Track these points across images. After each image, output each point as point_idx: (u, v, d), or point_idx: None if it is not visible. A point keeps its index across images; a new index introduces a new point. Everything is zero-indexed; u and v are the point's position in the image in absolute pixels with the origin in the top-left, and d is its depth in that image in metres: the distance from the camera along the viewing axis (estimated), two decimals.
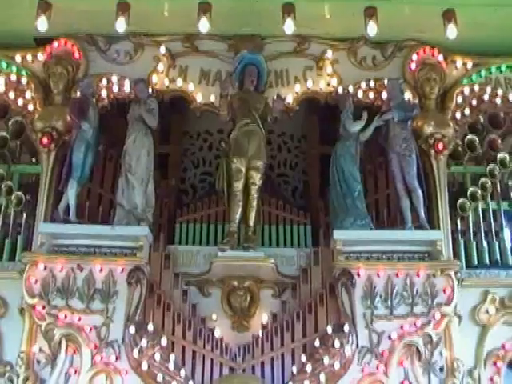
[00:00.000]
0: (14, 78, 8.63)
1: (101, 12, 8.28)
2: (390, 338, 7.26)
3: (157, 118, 8.17)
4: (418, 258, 7.75)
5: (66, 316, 7.23)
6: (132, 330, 7.06)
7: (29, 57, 8.72)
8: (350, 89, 8.61)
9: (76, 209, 7.89)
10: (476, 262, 8.15)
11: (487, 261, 8.18)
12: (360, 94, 8.62)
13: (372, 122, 8.29)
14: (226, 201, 8.07)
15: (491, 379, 7.51)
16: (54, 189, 8.03)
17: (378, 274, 7.53)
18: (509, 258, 8.21)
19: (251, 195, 8.00)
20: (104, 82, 8.59)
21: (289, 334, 7.30)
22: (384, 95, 8.57)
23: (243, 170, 7.99)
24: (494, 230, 8.37)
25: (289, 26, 8.11)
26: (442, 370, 7.32)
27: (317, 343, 7.13)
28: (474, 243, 8.28)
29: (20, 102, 8.54)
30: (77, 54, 8.67)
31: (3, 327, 7.57)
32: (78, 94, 8.40)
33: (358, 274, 7.51)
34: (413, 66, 8.73)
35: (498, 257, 8.22)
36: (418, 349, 7.24)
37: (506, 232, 8.45)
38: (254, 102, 8.31)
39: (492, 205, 8.52)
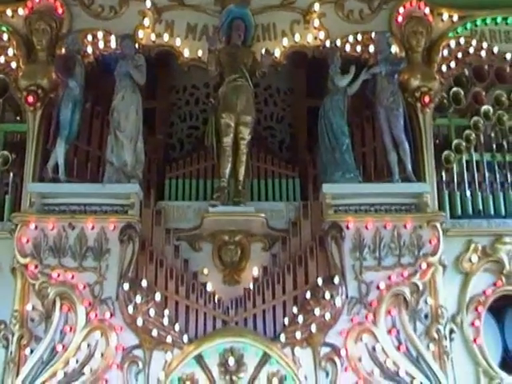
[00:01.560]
0: None
1: None
2: (378, 288, 7.45)
3: (145, 75, 8.10)
4: (405, 210, 7.89)
5: (59, 274, 7.30)
6: (126, 286, 7.16)
7: (8, 12, 8.56)
8: (338, 42, 8.60)
9: (64, 167, 7.86)
10: (460, 213, 8.34)
11: (470, 211, 8.38)
12: (347, 48, 8.62)
13: (359, 75, 8.31)
14: (216, 156, 8.11)
15: (472, 324, 7.79)
16: (41, 148, 7.99)
17: (366, 227, 7.66)
18: (491, 207, 8.42)
19: (240, 150, 8.03)
20: (89, 37, 8.48)
21: (280, 287, 7.43)
22: (371, 48, 8.59)
23: (232, 125, 7.99)
24: (477, 181, 8.55)
25: None
26: (426, 316, 7.56)
27: (308, 295, 7.29)
28: (458, 194, 8.45)
29: (2, 59, 8.40)
30: (60, 10, 8.52)
31: None
32: (64, 50, 8.30)
33: (347, 227, 7.64)
34: (399, 18, 8.73)
35: (481, 207, 8.42)
36: (405, 298, 7.45)
37: (488, 182, 8.61)
38: (241, 56, 8.28)
39: (475, 156, 8.67)
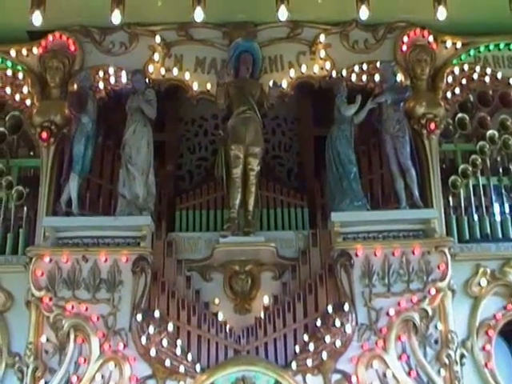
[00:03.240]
0: (9, 73, 8.73)
1: (95, 4, 8.30)
2: (387, 314, 7.52)
3: (155, 109, 8.32)
4: (413, 236, 7.98)
5: (73, 306, 7.44)
6: (139, 317, 7.29)
7: (24, 51, 8.82)
8: (344, 72, 8.77)
9: (77, 201, 8.04)
10: (468, 237, 8.41)
11: (478, 235, 8.44)
12: (353, 78, 8.80)
13: (365, 104, 8.48)
14: (225, 187, 8.25)
15: (483, 348, 7.83)
16: (54, 182, 8.19)
17: (375, 254, 7.76)
18: (499, 231, 8.48)
19: (250, 181, 8.19)
20: (101, 73, 8.71)
21: (290, 315, 7.53)
22: (377, 78, 8.75)
23: (241, 156, 8.16)
24: (484, 205, 8.61)
25: (282, 13, 8.07)
26: (436, 342, 7.62)
27: (318, 323, 7.39)
28: (466, 218, 8.52)
29: (17, 97, 8.66)
30: (72, 47, 8.78)
31: (10, 320, 7.80)
32: (76, 87, 8.53)
33: (356, 255, 7.75)
34: (404, 47, 8.90)
35: (489, 231, 8.48)
36: (414, 324, 7.52)
37: (496, 206, 8.71)
38: (249, 88, 8.48)
39: (482, 180, 8.76)
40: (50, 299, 7.47)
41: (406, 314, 7.52)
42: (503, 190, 8.79)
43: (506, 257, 8.18)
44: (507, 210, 8.70)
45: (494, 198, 8.71)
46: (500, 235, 8.47)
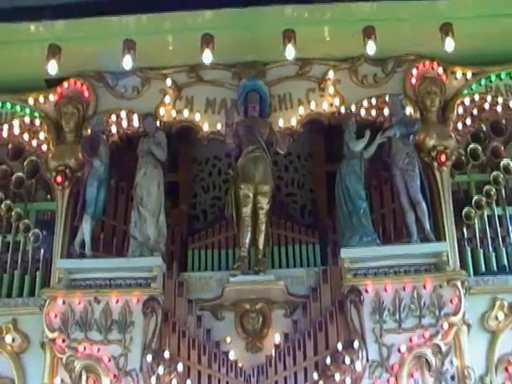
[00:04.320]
0: (27, 120, 9.03)
1: (108, 51, 8.64)
2: (399, 350, 7.45)
3: (165, 151, 8.50)
4: (425, 270, 7.92)
5: (85, 348, 7.56)
6: (149, 358, 7.37)
7: (41, 99, 9.11)
8: (353, 108, 8.82)
9: (91, 242, 8.22)
10: (484, 269, 8.31)
11: (495, 267, 8.33)
12: (362, 113, 8.84)
13: (375, 138, 8.51)
14: (236, 226, 8.35)
15: None
16: (69, 224, 8.38)
17: (385, 289, 7.72)
18: None
19: (259, 219, 8.27)
20: (113, 118, 8.94)
21: (301, 353, 7.54)
22: (386, 111, 8.78)
23: (251, 195, 8.27)
24: (500, 236, 8.52)
25: (290, 52, 8.37)
26: (453, 378, 7.47)
27: (328, 360, 7.37)
28: (481, 250, 8.43)
29: (34, 142, 8.95)
30: (86, 93, 9.04)
31: (26, 361, 7.94)
32: (89, 131, 8.77)
33: (366, 291, 7.72)
34: (413, 80, 8.91)
35: (506, 262, 8.36)
36: (427, 360, 7.42)
37: None
38: (258, 128, 8.60)
39: (498, 211, 8.67)
40: (63, 341, 7.59)
41: (418, 350, 7.44)
42: None
43: None
44: None
45: (510, 228, 8.59)
46: None
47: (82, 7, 8.25)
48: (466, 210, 8.58)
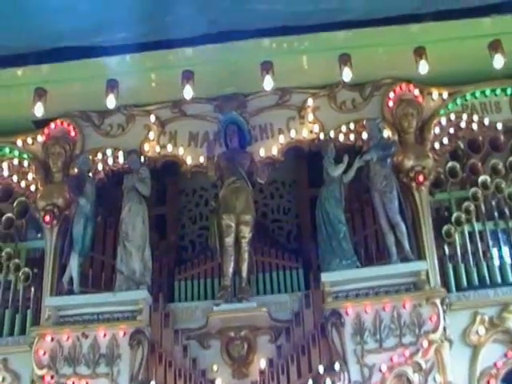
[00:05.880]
0: (16, 162, 9.37)
1: (93, 91, 8.96)
2: (380, 370, 7.59)
3: (149, 187, 8.75)
4: (405, 290, 8.06)
5: (73, 383, 7.77)
6: None
7: (29, 140, 9.45)
8: (332, 134, 9.05)
9: (80, 278, 8.46)
10: (465, 285, 8.43)
11: (476, 282, 8.44)
12: (341, 138, 9.06)
13: (354, 162, 8.69)
14: (220, 256, 8.55)
15: None
16: (58, 262, 8.64)
17: (365, 311, 7.87)
18: (497, 276, 8.46)
19: (242, 248, 8.48)
20: (99, 155, 9.24)
21: (284, 378, 7.70)
22: (364, 135, 9.00)
23: (233, 225, 8.48)
24: (481, 251, 8.64)
25: (268, 83, 8.63)
26: None
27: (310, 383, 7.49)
28: (463, 266, 8.56)
29: (23, 183, 9.26)
30: (73, 133, 9.35)
31: None
32: (76, 170, 9.03)
33: (347, 313, 7.87)
34: (390, 103, 9.14)
35: (487, 276, 8.47)
36: (408, 378, 7.55)
37: (494, 251, 8.70)
38: (239, 159, 8.83)
39: (478, 226, 8.80)
40: (52, 377, 7.80)
41: (398, 368, 7.58)
42: (500, 234, 8.79)
43: (505, 302, 8.17)
44: (506, 253, 8.69)
45: (491, 242, 8.72)
46: (499, 280, 8.45)
47: (66, 51, 8.52)
48: (446, 227, 8.71)
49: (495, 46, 8.46)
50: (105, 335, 7.95)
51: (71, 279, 8.40)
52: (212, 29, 8.00)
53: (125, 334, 7.93)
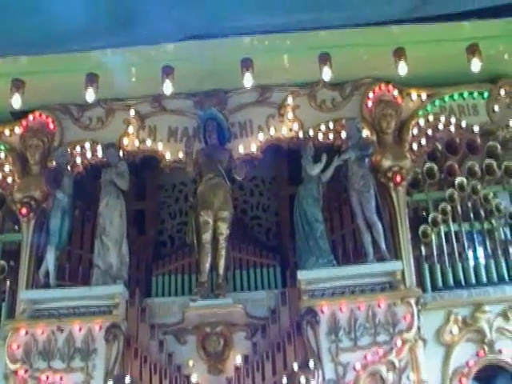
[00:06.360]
0: None
1: (72, 83, 8.85)
2: (354, 368, 7.67)
3: (127, 181, 8.73)
4: (380, 289, 8.16)
5: (48, 377, 7.74)
6: None
7: (6, 131, 9.35)
8: (311, 132, 9.09)
9: (56, 271, 8.42)
10: (441, 285, 8.52)
11: (451, 282, 8.53)
12: (320, 136, 9.12)
13: (332, 161, 8.73)
14: (197, 252, 8.55)
15: None
16: (34, 255, 8.58)
17: (340, 309, 7.96)
18: (472, 277, 8.55)
19: (220, 245, 8.50)
20: (78, 149, 9.18)
21: (259, 374, 7.76)
22: (343, 135, 9.06)
23: (211, 221, 8.49)
24: (457, 252, 8.73)
25: (248, 80, 8.59)
26: None
27: (284, 381, 7.57)
28: (439, 266, 8.64)
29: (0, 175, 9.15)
30: (51, 125, 9.28)
31: None
32: (54, 163, 8.97)
33: (322, 311, 7.95)
34: (369, 103, 9.20)
35: (462, 277, 8.57)
36: (381, 376, 7.64)
37: (469, 252, 8.80)
38: (217, 155, 8.84)
39: (454, 227, 8.88)
40: (26, 371, 7.76)
41: (372, 367, 7.68)
42: (475, 236, 8.89)
43: (478, 302, 8.27)
44: (480, 254, 8.78)
45: (466, 243, 8.81)
46: (473, 281, 8.55)
47: (47, 42, 8.42)
48: (422, 227, 8.78)
49: (473, 50, 8.53)
50: (80, 329, 7.94)
51: (47, 272, 8.37)
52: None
53: (100, 328, 7.93)
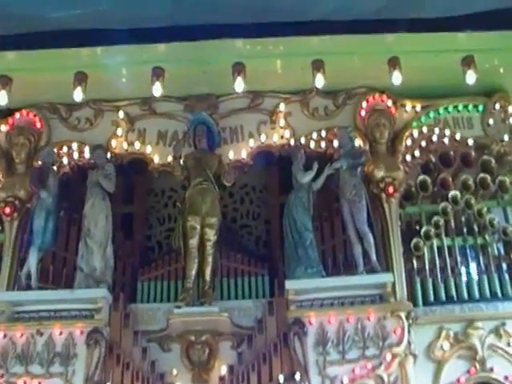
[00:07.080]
0: None
1: (61, 82, 8.69)
2: (342, 382, 7.47)
3: (114, 183, 8.53)
4: (370, 302, 7.99)
5: (25, 382, 7.48)
6: None
7: None
8: (302, 140, 8.94)
9: (39, 273, 8.21)
10: (432, 299, 8.33)
11: (443, 297, 8.35)
12: (312, 145, 8.97)
13: (324, 170, 8.59)
14: (183, 258, 8.35)
15: None
16: (16, 256, 8.34)
17: (329, 321, 7.76)
18: (464, 292, 8.37)
19: (207, 251, 8.31)
20: (65, 149, 8.98)
21: None
22: (335, 143, 8.91)
23: (198, 227, 8.30)
24: (449, 267, 8.55)
25: (239, 85, 8.48)
26: None
27: None
28: (431, 280, 8.46)
29: None
30: (38, 124, 9.09)
31: None
32: (39, 163, 8.76)
33: (310, 322, 7.75)
34: (362, 112, 9.06)
35: (454, 292, 8.38)
36: None
37: (462, 267, 8.61)
38: (207, 160, 8.67)
39: (447, 241, 8.71)
40: (2, 376, 7.51)
41: (360, 381, 7.48)
42: (468, 251, 8.72)
43: (470, 318, 8.08)
44: (473, 270, 8.61)
45: (459, 258, 8.63)
46: (466, 296, 8.36)
47: (34, 38, 8.26)
48: (415, 240, 8.61)
49: (468, 62, 8.46)
50: (61, 333, 7.70)
51: (29, 274, 8.13)
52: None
53: (82, 332, 7.70)
